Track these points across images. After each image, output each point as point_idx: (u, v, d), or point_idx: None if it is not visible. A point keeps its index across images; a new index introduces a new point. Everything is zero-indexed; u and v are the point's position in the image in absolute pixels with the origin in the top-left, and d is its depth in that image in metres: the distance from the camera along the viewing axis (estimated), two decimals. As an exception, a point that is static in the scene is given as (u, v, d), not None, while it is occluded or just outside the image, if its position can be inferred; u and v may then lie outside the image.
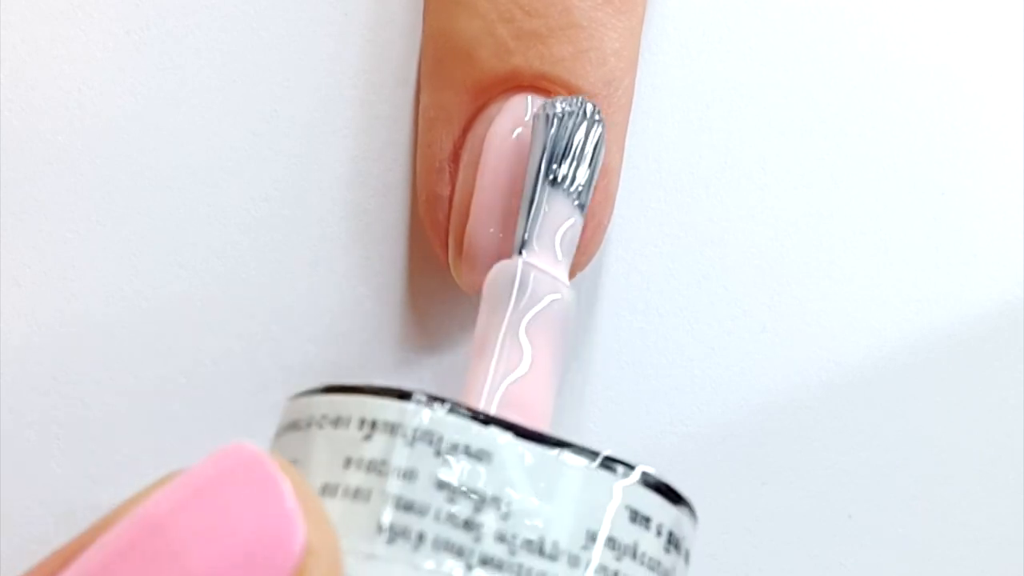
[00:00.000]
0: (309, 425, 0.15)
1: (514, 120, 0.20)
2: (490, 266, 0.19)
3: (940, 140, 0.24)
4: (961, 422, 0.23)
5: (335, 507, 0.14)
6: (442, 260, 0.21)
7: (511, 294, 0.18)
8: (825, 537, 0.22)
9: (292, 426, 0.16)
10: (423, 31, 0.21)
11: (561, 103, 0.19)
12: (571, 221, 0.19)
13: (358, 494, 0.14)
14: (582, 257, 0.21)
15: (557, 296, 0.18)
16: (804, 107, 0.24)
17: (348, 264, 0.22)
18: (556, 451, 0.15)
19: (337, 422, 0.15)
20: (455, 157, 0.20)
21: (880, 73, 0.24)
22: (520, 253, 0.18)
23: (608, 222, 0.21)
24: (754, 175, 0.23)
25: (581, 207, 0.19)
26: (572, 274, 0.20)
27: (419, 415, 0.15)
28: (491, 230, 0.20)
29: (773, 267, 0.23)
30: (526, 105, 0.20)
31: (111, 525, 0.12)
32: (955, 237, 0.24)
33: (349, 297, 0.22)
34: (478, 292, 0.20)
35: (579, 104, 0.19)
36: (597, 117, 0.19)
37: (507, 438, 0.15)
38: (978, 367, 0.23)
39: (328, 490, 0.15)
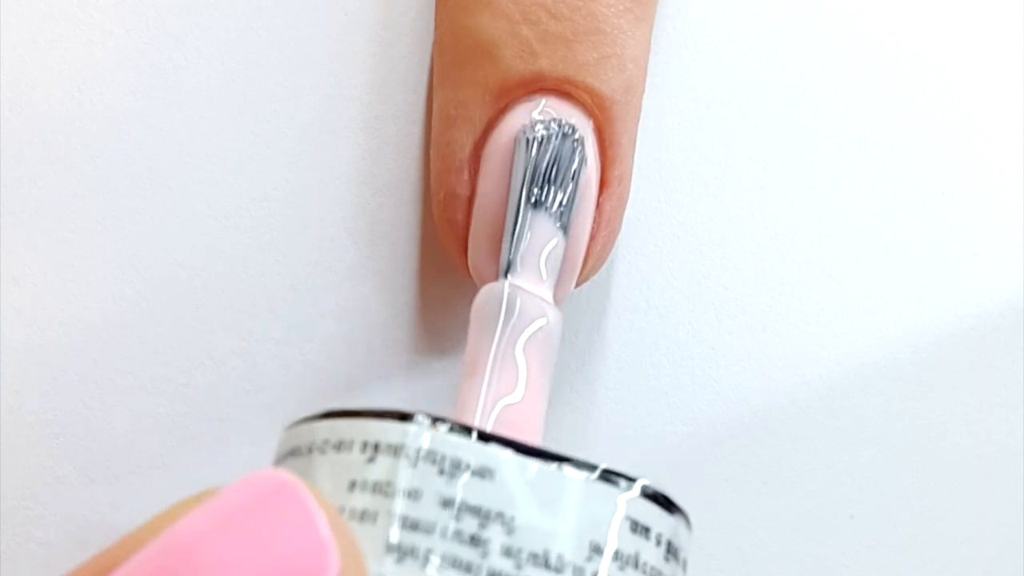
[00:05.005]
0: (311, 451, 0.16)
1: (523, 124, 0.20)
2: (493, 267, 0.19)
3: (940, 140, 0.24)
4: (962, 422, 0.23)
5: None
6: (455, 259, 0.21)
7: (499, 316, 0.18)
8: (826, 537, 0.22)
9: (292, 452, 0.16)
10: (438, 27, 0.21)
11: (541, 126, 0.19)
12: (554, 242, 0.19)
13: (365, 516, 0.14)
14: (596, 263, 0.21)
15: (544, 320, 0.18)
16: (804, 107, 0.24)
17: (350, 264, 0.22)
18: (556, 466, 0.15)
19: (339, 446, 0.15)
20: (475, 157, 0.20)
21: (880, 73, 0.24)
22: (506, 276, 0.19)
23: (620, 228, 0.21)
24: (754, 175, 0.23)
25: (563, 228, 0.19)
26: (584, 279, 0.20)
27: (421, 436, 0.15)
28: (492, 231, 0.20)
29: (773, 267, 0.23)
30: (539, 109, 0.20)
31: (139, 544, 0.12)
32: (955, 237, 0.24)
33: (352, 297, 0.22)
34: None
35: (559, 126, 0.19)
36: (576, 136, 0.19)
37: (508, 454, 0.15)
38: (978, 367, 0.23)
39: None
